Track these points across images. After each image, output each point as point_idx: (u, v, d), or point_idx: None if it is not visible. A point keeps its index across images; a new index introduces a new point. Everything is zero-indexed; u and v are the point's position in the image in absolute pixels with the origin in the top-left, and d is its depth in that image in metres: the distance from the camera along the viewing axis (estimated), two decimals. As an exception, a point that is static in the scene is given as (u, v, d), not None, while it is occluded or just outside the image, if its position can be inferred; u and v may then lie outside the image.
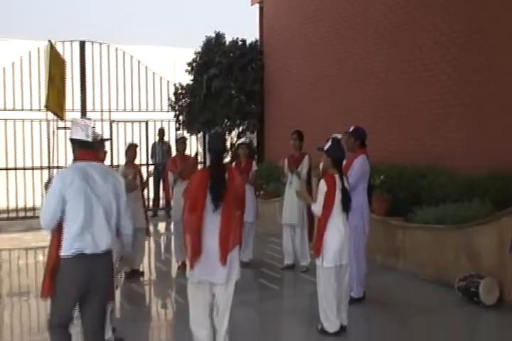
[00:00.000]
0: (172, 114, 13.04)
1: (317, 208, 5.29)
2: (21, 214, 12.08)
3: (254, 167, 8.08)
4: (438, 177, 7.56)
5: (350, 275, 5.52)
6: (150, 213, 10.77)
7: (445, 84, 8.08)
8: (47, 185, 3.88)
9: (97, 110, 12.63)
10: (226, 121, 12.58)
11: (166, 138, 12.84)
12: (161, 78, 13.08)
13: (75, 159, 3.91)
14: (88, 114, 12.48)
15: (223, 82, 12.25)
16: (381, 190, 7.85)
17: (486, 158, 7.32)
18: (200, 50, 12.82)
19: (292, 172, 7.63)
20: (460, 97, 7.85)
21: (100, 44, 12.60)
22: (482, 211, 6.55)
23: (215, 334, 4.67)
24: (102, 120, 12.53)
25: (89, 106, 12.56)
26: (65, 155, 9.78)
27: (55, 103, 7.52)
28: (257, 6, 13.50)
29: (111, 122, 12.52)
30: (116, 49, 12.73)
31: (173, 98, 12.99)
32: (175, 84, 13.03)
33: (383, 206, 7.90)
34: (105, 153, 5.57)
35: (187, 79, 12.99)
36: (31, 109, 12.05)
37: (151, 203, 12.47)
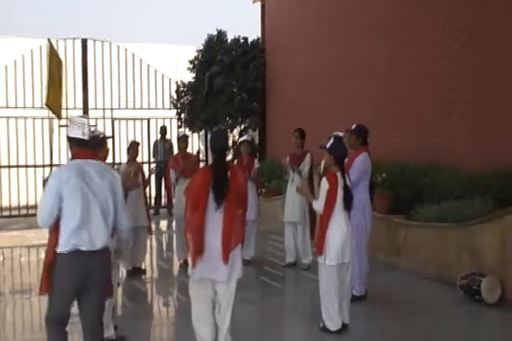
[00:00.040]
0: (174, 111, 13.03)
1: (319, 205, 5.28)
2: (23, 211, 12.09)
3: (256, 165, 8.07)
4: (440, 174, 7.54)
5: (352, 274, 5.51)
6: (152, 211, 10.77)
7: (447, 81, 8.06)
8: (45, 182, 3.89)
9: (99, 108, 12.63)
10: (228, 118, 12.58)
11: (167, 136, 12.84)
12: (162, 76, 13.07)
13: (72, 157, 3.93)
14: (90, 112, 12.50)
15: (225, 80, 12.24)
16: (383, 187, 7.84)
17: (488, 155, 7.30)
18: (202, 47, 12.82)
19: (294, 171, 7.63)
20: (462, 94, 7.83)
21: (102, 42, 12.60)
22: (484, 209, 6.53)
23: (217, 331, 4.68)
24: (104, 118, 12.56)
25: (91, 104, 12.55)
26: (66, 152, 9.80)
27: (54, 101, 7.55)
28: (258, 4, 13.48)
29: (113, 120, 12.51)
30: (118, 47, 12.72)
31: (174, 96, 12.99)
32: (177, 82, 13.02)
33: (385, 204, 7.89)
34: (107, 150, 5.55)
35: (189, 76, 12.98)
36: (33, 107, 12.05)
37: (152, 201, 12.47)
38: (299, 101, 11.67)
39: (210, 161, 10.56)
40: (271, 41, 12.92)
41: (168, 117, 13.05)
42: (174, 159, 8.07)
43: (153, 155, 12.86)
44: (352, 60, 10.04)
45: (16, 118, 11.93)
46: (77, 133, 3.87)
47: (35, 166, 12.20)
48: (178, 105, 12.92)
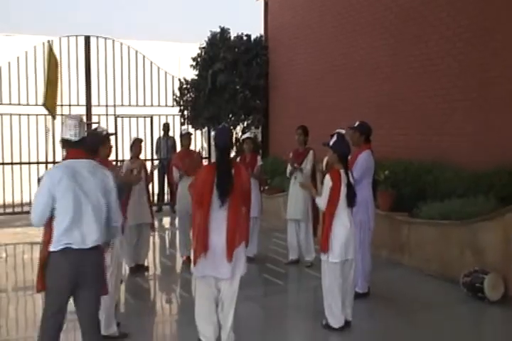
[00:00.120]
0: (177, 108, 13.03)
1: (322, 202, 5.29)
2: (26, 208, 12.07)
3: (259, 162, 8.07)
4: (443, 172, 7.54)
5: (355, 271, 5.52)
6: (155, 208, 10.78)
7: (451, 79, 8.04)
8: (39, 181, 3.93)
9: (102, 105, 12.63)
10: (231, 116, 12.57)
11: (170, 133, 12.84)
12: (165, 73, 13.06)
13: (65, 157, 3.97)
14: (93, 109, 12.52)
15: (228, 77, 12.22)
16: (386, 185, 7.84)
17: (491, 153, 7.29)
18: (205, 45, 12.81)
19: (295, 169, 7.62)
20: (466, 92, 7.82)
21: (105, 39, 12.59)
22: (487, 207, 6.54)
23: (220, 329, 4.68)
24: (106, 115, 12.56)
25: (94, 101, 12.56)
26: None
27: (51, 102, 7.59)
28: (261, 1, 13.46)
29: (116, 117, 12.51)
30: (121, 44, 12.71)
31: (177, 93, 12.98)
32: (179, 79, 13.01)
33: (388, 201, 7.89)
34: (111, 147, 5.56)
35: (192, 74, 12.98)
36: (36, 104, 12.05)
37: (155, 198, 12.47)
38: (302, 99, 11.66)
39: (213, 158, 10.57)
40: (274, 39, 12.91)
41: (171, 114, 13.05)
42: (177, 157, 8.07)
43: (156, 152, 12.86)
44: (355, 57, 10.03)
45: (19, 115, 11.93)
46: (68, 135, 3.92)
47: (38, 163, 12.21)
48: (181, 102, 12.91)
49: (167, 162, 11.25)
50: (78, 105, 12.32)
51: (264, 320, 5.93)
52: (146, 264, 7.67)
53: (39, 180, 4.40)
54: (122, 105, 12.83)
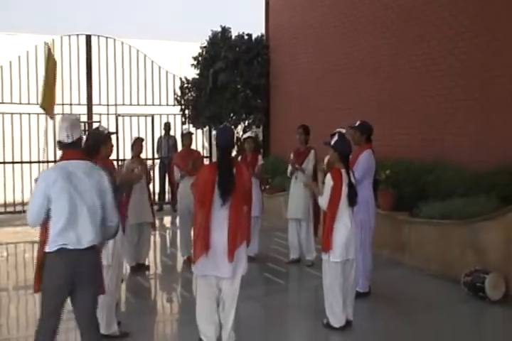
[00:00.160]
0: (178, 108, 13.02)
1: (324, 201, 5.29)
2: (27, 207, 12.07)
3: (260, 161, 8.06)
4: (445, 172, 7.53)
5: (356, 270, 5.51)
6: (156, 207, 10.78)
7: (453, 78, 8.03)
8: (36, 181, 3.94)
9: (103, 104, 12.64)
10: (232, 115, 12.56)
11: (171, 132, 12.84)
12: (166, 72, 13.07)
13: (60, 158, 3.98)
14: (94, 108, 12.52)
15: (229, 77, 12.22)
16: (387, 184, 7.83)
17: (493, 152, 7.29)
18: (206, 44, 12.80)
19: (296, 170, 7.61)
20: (468, 91, 7.81)
21: (106, 38, 12.59)
22: (488, 206, 6.53)
23: (220, 329, 4.68)
24: (108, 114, 12.56)
25: (95, 100, 12.56)
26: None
27: (48, 103, 7.61)
28: (263, 0, 13.45)
29: (117, 116, 12.51)
30: (122, 43, 12.72)
31: (178, 92, 12.98)
32: (181, 78, 13.01)
33: (389, 201, 7.88)
34: (112, 147, 5.56)
35: (193, 73, 12.97)
36: (37, 103, 12.05)
37: (156, 197, 12.47)
38: (303, 98, 11.65)
39: (214, 158, 10.55)
40: (275, 38, 12.90)
41: (172, 113, 13.05)
42: (179, 156, 8.06)
43: (157, 152, 12.85)
44: (357, 57, 10.01)
45: (20, 114, 11.93)
46: (62, 137, 3.93)
47: (39, 162, 12.22)
48: (182, 101, 12.90)
49: (168, 161, 11.24)
50: (79, 104, 12.32)
51: (265, 319, 5.92)
52: (147, 263, 7.67)
53: (36, 180, 4.42)
54: (123, 104, 12.85)
